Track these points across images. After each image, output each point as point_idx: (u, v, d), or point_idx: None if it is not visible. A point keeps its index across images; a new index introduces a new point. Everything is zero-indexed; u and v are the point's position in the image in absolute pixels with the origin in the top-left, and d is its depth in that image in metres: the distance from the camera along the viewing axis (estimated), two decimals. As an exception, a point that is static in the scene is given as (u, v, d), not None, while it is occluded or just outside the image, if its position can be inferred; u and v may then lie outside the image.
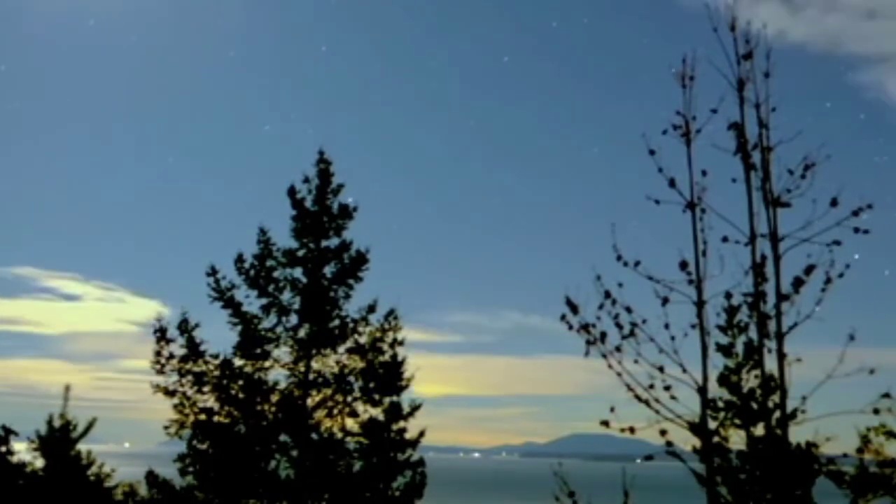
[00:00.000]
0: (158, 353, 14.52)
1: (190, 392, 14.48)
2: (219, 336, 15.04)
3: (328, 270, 15.31)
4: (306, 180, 15.49)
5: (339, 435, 14.77)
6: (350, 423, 14.87)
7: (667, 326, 5.53)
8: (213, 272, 14.93)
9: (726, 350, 5.87)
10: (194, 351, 14.55)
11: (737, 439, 5.74)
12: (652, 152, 5.71)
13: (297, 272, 15.26)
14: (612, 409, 5.57)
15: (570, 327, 5.66)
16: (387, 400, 14.96)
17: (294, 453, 14.54)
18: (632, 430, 5.61)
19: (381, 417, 14.89)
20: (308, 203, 15.41)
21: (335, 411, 14.80)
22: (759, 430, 5.63)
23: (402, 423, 14.90)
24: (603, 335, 5.60)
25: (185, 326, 14.64)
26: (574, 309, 5.68)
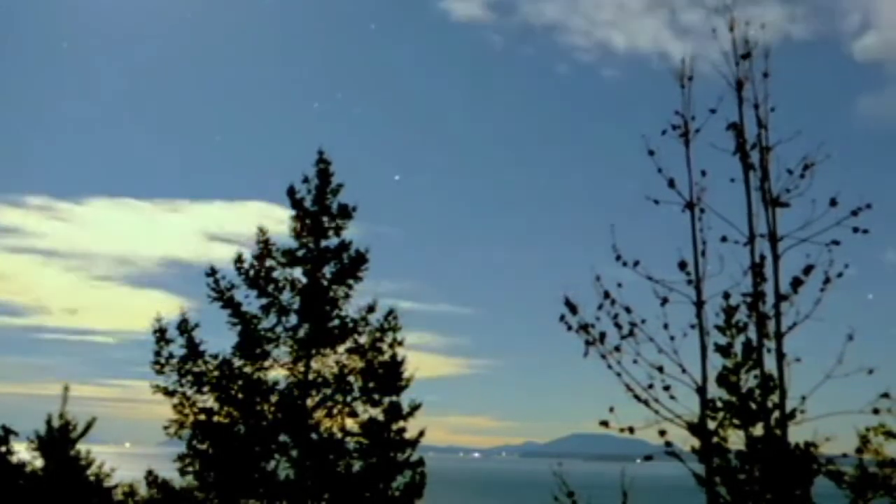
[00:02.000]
0: (158, 354, 14.51)
1: (189, 392, 14.47)
2: (218, 336, 15.05)
3: (328, 270, 15.30)
4: (306, 180, 15.49)
5: (339, 435, 14.76)
6: (350, 424, 14.88)
7: (666, 326, 5.54)
8: (212, 272, 14.92)
9: (725, 350, 5.86)
10: (194, 351, 14.54)
11: (736, 439, 5.74)
12: (651, 152, 5.72)
13: (297, 272, 15.26)
14: (611, 410, 5.57)
15: (570, 327, 5.67)
16: (386, 400, 14.95)
17: (294, 453, 14.53)
18: (631, 430, 5.61)
19: (380, 417, 14.88)
20: (307, 203, 15.41)
21: (335, 411, 14.80)
22: (759, 430, 5.62)
23: (401, 423, 14.90)
24: (602, 335, 5.60)
25: (184, 327, 14.63)
26: (573, 309, 5.68)
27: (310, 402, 14.71)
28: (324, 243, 15.38)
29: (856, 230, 5.41)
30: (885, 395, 5.39)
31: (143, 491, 15.79)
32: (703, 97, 5.76)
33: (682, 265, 5.63)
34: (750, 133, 5.64)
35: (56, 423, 16.29)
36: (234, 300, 14.92)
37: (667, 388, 5.49)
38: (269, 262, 15.19)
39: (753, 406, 5.69)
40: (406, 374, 15.11)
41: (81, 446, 16.52)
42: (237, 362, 14.71)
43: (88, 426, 16.61)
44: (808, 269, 5.38)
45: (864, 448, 8.34)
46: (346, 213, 15.53)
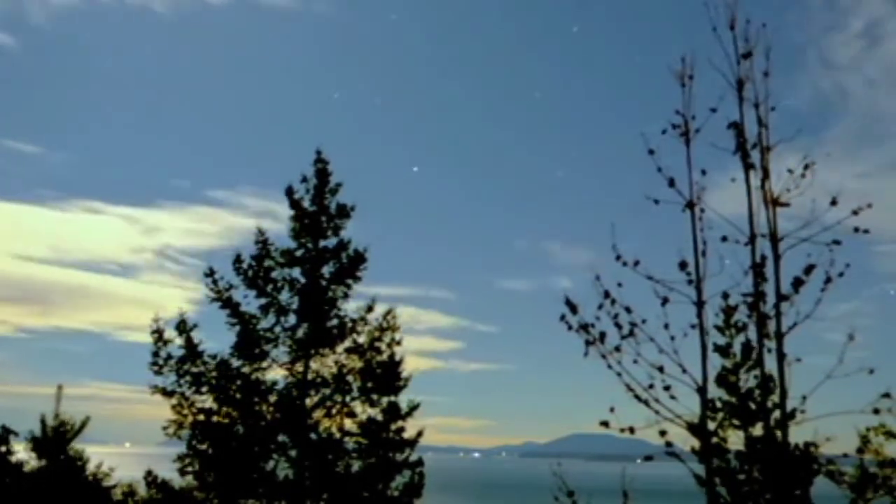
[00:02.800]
0: (156, 354, 14.48)
1: (188, 392, 14.44)
2: (217, 336, 15.02)
3: (326, 270, 15.29)
4: (304, 180, 15.47)
5: (338, 435, 14.75)
6: (348, 423, 14.86)
7: (666, 326, 5.52)
8: (211, 272, 14.90)
9: (724, 350, 5.85)
10: (192, 351, 14.51)
11: (736, 440, 5.73)
12: (651, 152, 5.70)
13: (296, 272, 15.24)
14: (611, 410, 5.55)
15: (570, 327, 5.65)
16: (385, 400, 14.94)
17: (293, 453, 14.51)
18: (631, 430, 5.59)
19: (379, 417, 14.87)
20: (306, 203, 15.39)
21: (334, 411, 14.78)
22: (759, 430, 5.61)
23: (400, 423, 14.88)
24: (602, 335, 5.58)
25: (183, 327, 14.60)
26: (573, 309, 5.66)
27: (309, 402, 14.68)
28: (322, 243, 15.37)
29: (857, 230, 5.39)
30: (886, 395, 5.37)
31: (142, 491, 15.77)
32: (704, 96, 5.74)
33: (683, 265, 5.61)
34: (750, 132, 5.63)
35: (50, 422, 16.26)
36: (233, 300, 14.90)
37: (667, 388, 5.47)
38: (267, 262, 15.17)
39: (753, 406, 5.67)
40: (404, 374, 15.12)
41: (80, 446, 16.50)
42: (236, 362, 14.69)
43: (83, 425, 16.59)
44: (809, 269, 5.37)
45: (864, 448, 8.32)
46: (344, 212, 15.52)
